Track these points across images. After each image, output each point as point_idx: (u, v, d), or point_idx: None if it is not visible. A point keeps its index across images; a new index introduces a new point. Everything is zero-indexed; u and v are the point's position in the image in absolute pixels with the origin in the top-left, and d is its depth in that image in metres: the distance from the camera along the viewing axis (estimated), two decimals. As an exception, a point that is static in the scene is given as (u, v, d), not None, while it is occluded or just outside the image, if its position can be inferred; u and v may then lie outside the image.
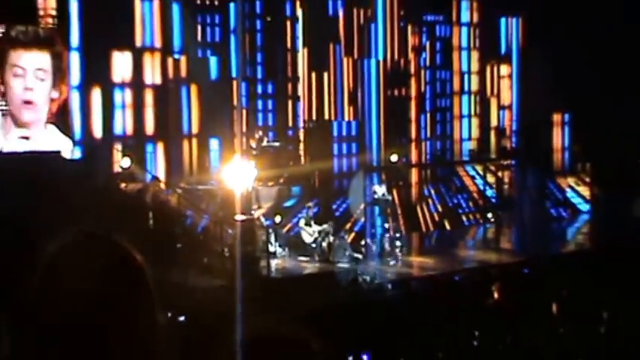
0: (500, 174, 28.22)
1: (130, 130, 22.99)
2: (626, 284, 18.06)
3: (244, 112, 25.44)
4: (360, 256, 21.34)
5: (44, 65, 17.13)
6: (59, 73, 18.75)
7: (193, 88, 24.01)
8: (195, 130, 24.05)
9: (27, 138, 18.15)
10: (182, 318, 16.55)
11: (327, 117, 26.07)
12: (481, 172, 28.25)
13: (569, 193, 29.38)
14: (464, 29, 28.74)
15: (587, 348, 15.56)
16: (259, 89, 25.78)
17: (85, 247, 2.48)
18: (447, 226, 27.02)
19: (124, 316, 2.43)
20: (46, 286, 2.42)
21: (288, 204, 23.38)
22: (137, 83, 23.08)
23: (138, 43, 23.20)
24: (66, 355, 2.37)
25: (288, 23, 25.75)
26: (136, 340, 2.43)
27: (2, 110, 18.18)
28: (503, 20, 29.55)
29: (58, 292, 2.40)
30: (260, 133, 24.85)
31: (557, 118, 29.70)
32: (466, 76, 28.96)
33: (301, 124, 25.89)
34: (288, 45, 25.78)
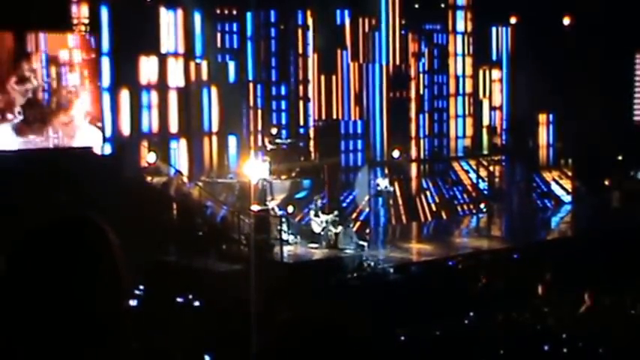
0: (491, 168, 28.23)
1: (155, 128, 23.05)
2: (603, 268, 18.05)
3: (260, 111, 25.46)
4: (365, 243, 21.31)
5: None
6: None
7: (213, 90, 24.04)
8: (215, 128, 24.08)
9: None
10: (200, 301, 16.54)
11: (335, 116, 26.06)
12: (474, 167, 28.23)
13: (553, 186, 29.34)
14: (459, 37, 28.68)
15: (569, 324, 15.58)
16: (273, 91, 25.79)
17: (58, 229, 2.36)
18: (444, 216, 27.01)
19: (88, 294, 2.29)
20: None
21: (299, 195, 23.39)
22: (162, 85, 23.14)
23: (163, 49, 23.24)
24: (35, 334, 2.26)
25: (300, 31, 25.73)
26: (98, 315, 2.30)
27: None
28: (494, 29, 29.50)
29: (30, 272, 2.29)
30: (274, 131, 24.86)
31: (542, 117, 29.66)
32: (461, 80, 28.91)
33: (311, 123, 25.89)
34: (300, 51, 25.77)
